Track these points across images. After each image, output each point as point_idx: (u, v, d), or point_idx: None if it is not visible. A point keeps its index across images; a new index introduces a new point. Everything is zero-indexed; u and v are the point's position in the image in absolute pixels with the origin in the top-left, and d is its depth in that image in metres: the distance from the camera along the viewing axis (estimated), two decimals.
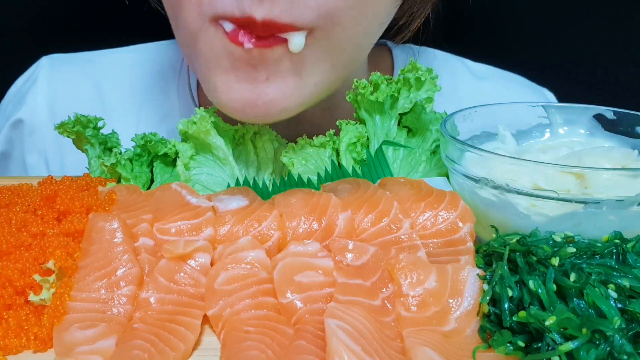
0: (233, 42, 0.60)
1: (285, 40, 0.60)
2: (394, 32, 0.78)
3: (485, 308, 0.45)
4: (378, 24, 0.68)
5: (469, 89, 0.96)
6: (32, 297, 0.47)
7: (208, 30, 0.62)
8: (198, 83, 0.94)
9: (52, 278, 0.49)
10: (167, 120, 0.92)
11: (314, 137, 0.70)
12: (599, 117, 0.67)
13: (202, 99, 0.94)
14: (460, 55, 1.03)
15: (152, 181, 0.68)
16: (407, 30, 0.78)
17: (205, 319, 0.48)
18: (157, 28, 0.97)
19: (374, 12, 0.65)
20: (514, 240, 0.50)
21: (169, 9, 0.68)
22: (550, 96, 1.01)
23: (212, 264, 0.51)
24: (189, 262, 0.51)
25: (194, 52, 0.66)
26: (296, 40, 0.59)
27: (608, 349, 0.39)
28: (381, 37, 0.74)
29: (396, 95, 0.68)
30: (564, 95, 0.94)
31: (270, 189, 0.66)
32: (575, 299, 0.43)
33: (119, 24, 1.05)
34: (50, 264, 0.49)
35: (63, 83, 0.94)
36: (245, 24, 0.58)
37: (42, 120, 0.91)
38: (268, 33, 0.59)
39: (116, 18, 1.07)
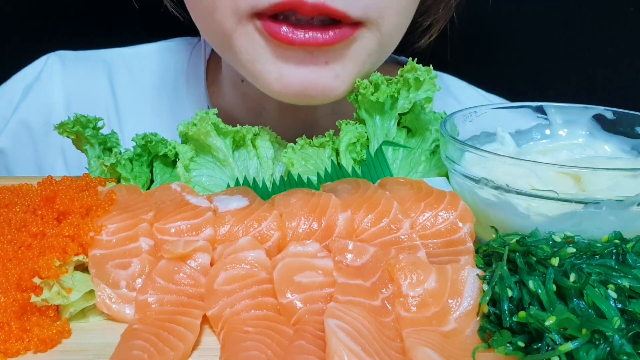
0: (276, 39, 0.62)
1: (346, 36, 0.63)
2: (419, 34, 0.82)
3: (485, 308, 0.45)
4: (410, 17, 0.72)
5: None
6: (33, 299, 0.47)
7: (245, 27, 0.64)
8: (208, 82, 0.93)
9: (52, 281, 0.49)
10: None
11: (314, 137, 0.70)
12: (598, 117, 0.67)
13: (213, 99, 0.93)
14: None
15: (152, 181, 0.68)
16: (433, 30, 0.82)
17: (205, 319, 0.48)
18: (158, 28, 0.96)
19: (408, 5, 0.69)
20: (514, 240, 0.50)
21: (200, 11, 0.69)
22: None
23: (211, 264, 0.51)
24: (188, 262, 0.51)
25: (232, 51, 0.67)
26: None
27: (608, 349, 0.39)
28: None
29: (396, 95, 0.68)
30: (564, 95, 0.94)
31: (270, 189, 0.66)
32: (575, 299, 0.43)
33: (118, 23, 1.04)
34: (50, 264, 0.49)
35: (78, 81, 0.92)
36: (293, 7, 0.60)
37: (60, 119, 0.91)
38: (315, 15, 0.61)
39: (114, 17, 1.06)
